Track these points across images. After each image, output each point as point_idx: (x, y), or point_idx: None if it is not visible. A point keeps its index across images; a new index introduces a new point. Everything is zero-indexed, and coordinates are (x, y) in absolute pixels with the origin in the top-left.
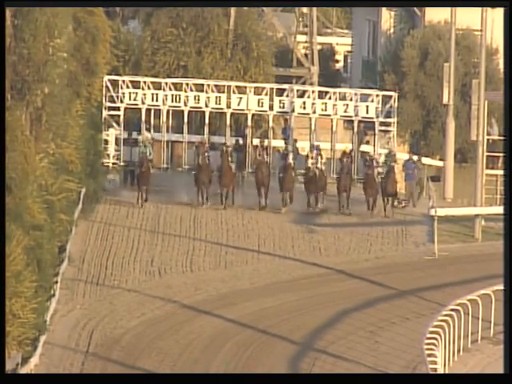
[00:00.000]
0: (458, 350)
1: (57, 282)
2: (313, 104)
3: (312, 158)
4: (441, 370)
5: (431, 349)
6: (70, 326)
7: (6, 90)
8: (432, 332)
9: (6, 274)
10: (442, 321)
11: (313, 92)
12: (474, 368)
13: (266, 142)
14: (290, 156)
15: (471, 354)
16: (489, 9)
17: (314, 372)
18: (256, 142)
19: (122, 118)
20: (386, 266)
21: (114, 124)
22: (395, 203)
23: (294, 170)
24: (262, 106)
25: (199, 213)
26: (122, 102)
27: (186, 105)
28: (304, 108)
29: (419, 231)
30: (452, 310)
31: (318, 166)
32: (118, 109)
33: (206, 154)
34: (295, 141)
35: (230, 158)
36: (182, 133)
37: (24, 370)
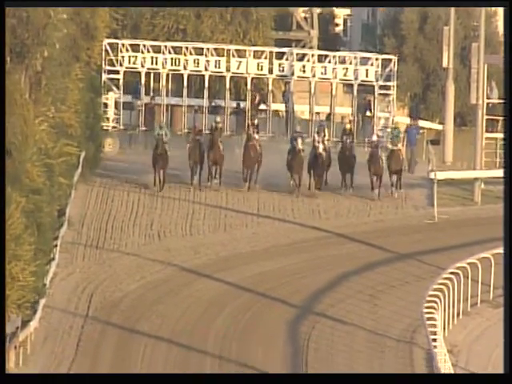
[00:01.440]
0: (458, 314)
1: (56, 246)
2: (312, 68)
3: (319, 142)
4: (440, 334)
5: (431, 312)
6: (70, 289)
7: (6, 54)
8: (431, 295)
9: (6, 237)
10: (441, 284)
11: (312, 56)
12: (474, 331)
13: (256, 121)
14: (300, 141)
15: (471, 317)
16: None
17: (313, 337)
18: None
19: (121, 81)
20: (385, 230)
21: (114, 87)
22: (409, 170)
23: (303, 154)
24: (261, 70)
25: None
26: (121, 65)
27: (185, 68)
28: (303, 72)
29: (419, 195)
30: (452, 273)
31: (323, 147)
32: (117, 72)
33: (198, 138)
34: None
35: (220, 136)
36: (182, 96)
37: (23, 334)
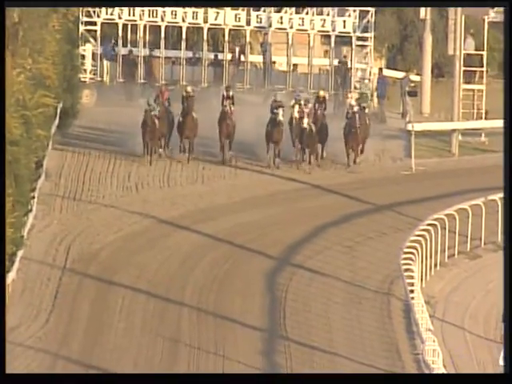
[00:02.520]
0: (435, 265)
1: (34, 197)
2: (290, 19)
3: (303, 113)
4: (418, 285)
5: (408, 263)
6: (47, 241)
7: None
8: (409, 247)
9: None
10: (419, 235)
11: (290, 7)
12: (451, 282)
13: (231, 92)
14: (281, 111)
15: (448, 268)
16: None
17: (291, 288)
18: (222, 91)
19: (98, 33)
20: (363, 181)
21: (91, 39)
22: (380, 119)
23: (283, 125)
24: (239, 21)
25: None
26: (98, 16)
27: (162, 20)
28: (281, 23)
29: (396, 146)
30: (429, 224)
31: (307, 121)
32: (94, 24)
33: (167, 104)
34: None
35: (193, 105)
36: (159, 48)
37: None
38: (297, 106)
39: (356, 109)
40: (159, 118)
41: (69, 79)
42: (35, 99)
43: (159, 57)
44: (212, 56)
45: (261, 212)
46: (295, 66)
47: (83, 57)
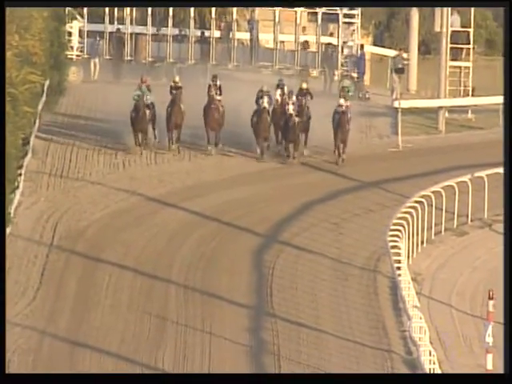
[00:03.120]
0: (422, 242)
1: (20, 175)
2: None
3: (291, 103)
4: (404, 262)
5: (395, 240)
6: (34, 218)
7: None
8: (396, 224)
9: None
10: (405, 212)
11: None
12: (438, 259)
13: (218, 81)
14: (266, 99)
15: (435, 245)
16: None
17: (278, 266)
18: (209, 81)
19: (85, 9)
20: (349, 158)
21: (78, 16)
22: (360, 95)
23: (269, 115)
24: None
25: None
26: None
27: None
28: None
29: (383, 123)
30: (416, 201)
31: (293, 107)
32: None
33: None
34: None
35: (180, 96)
36: (146, 25)
37: None
38: (279, 90)
39: (344, 107)
40: (147, 106)
41: (56, 56)
42: (22, 76)
43: (146, 34)
44: (199, 33)
45: (248, 189)
46: (282, 43)
47: (70, 34)
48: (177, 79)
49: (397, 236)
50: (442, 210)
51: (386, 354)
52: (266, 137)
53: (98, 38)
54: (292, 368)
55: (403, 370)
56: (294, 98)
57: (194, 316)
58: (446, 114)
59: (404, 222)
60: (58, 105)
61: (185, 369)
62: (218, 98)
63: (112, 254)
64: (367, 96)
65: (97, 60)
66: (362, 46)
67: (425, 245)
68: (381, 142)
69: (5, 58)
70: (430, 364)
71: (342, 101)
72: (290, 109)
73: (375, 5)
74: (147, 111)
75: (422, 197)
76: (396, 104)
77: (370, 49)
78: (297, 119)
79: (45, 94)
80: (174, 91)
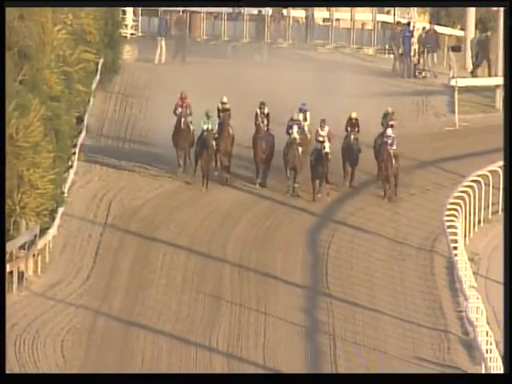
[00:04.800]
0: (479, 221)
1: (75, 153)
2: None
3: (323, 137)
4: (461, 242)
5: (451, 220)
6: (88, 197)
7: None
8: (452, 203)
9: (25, 144)
10: (462, 192)
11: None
12: (495, 239)
13: (266, 109)
14: (295, 128)
15: (492, 224)
16: None
17: (333, 245)
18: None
19: None
20: (406, 137)
21: None
22: (416, 73)
23: (300, 145)
24: None
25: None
26: None
27: None
28: None
29: (440, 102)
30: (473, 181)
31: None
32: None
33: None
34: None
35: (229, 119)
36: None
37: (42, 242)
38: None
39: (391, 137)
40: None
41: (110, 34)
42: (76, 54)
43: (200, 12)
44: (255, 11)
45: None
46: (338, 20)
47: (124, 12)
48: (225, 100)
49: (453, 215)
50: (498, 189)
51: (443, 334)
52: (296, 170)
53: (165, 17)
54: (347, 348)
55: (460, 350)
56: (327, 128)
57: (248, 296)
58: (503, 92)
59: (461, 202)
60: (111, 83)
61: (239, 349)
62: (265, 127)
63: (166, 233)
64: (424, 74)
65: (163, 42)
66: (408, 25)
67: (482, 224)
68: (437, 121)
69: (4, 58)
70: (487, 345)
71: (389, 131)
72: (327, 147)
73: (376, 5)
74: (213, 142)
75: (479, 176)
76: (453, 82)
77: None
78: (330, 156)
79: (99, 73)
80: (221, 114)
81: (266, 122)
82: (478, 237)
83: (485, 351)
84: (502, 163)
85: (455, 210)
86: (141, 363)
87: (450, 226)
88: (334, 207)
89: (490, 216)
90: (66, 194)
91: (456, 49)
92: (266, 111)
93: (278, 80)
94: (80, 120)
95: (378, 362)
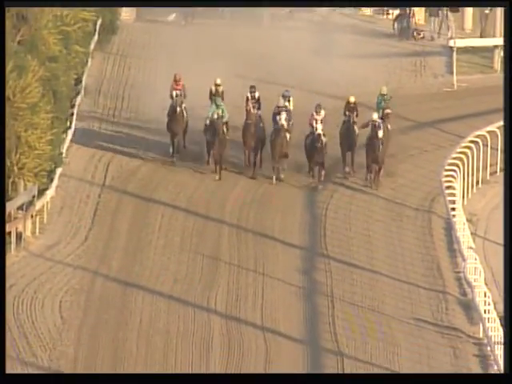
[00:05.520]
0: (477, 182)
1: (72, 114)
2: None
3: (318, 121)
4: (459, 203)
5: (450, 181)
6: (86, 158)
7: None
8: (450, 164)
9: (22, 105)
10: (460, 153)
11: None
12: (493, 199)
13: (256, 93)
14: (283, 115)
15: (490, 185)
16: None
17: (331, 206)
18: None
19: None
20: (403, 97)
21: None
22: (414, 34)
23: (288, 132)
24: None
25: None
26: None
27: None
28: None
29: (438, 62)
30: (471, 141)
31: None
32: None
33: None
34: None
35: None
36: None
37: (40, 203)
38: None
39: (378, 123)
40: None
41: None
42: (74, 14)
43: None
44: None
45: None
46: None
47: None
48: (218, 81)
49: (452, 176)
50: (497, 149)
51: (441, 295)
52: (284, 155)
53: None
54: (345, 309)
55: (458, 310)
56: (323, 112)
57: (246, 256)
58: (502, 53)
59: (459, 163)
60: (110, 44)
61: (237, 309)
62: (256, 112)
63: (164, 194)
64: (421, 35)
65: None
66: None
67: (480, 185)
68: (435, 82)
69: (4, 58)
70: (485, 305)
71: (374, 116)
72: (319, 128)
73: (376, 5)
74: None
75: (477, 136)
76: (451, 43)
77: None
78: (324, 139)
79: (97, 33)
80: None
81: (257, 106)
82: (477, 198)
83: (483, 312)
84: (500, 124)
85: (453, 170)
86: (139, 323)
87: (448, 187)
88: (332, 169)
89: (488, 177)
90: (63, 155)
91: (454, 9)
92: (256, 95)
93: (276, 42)
94: (78, 81)
95: (375, 323)
